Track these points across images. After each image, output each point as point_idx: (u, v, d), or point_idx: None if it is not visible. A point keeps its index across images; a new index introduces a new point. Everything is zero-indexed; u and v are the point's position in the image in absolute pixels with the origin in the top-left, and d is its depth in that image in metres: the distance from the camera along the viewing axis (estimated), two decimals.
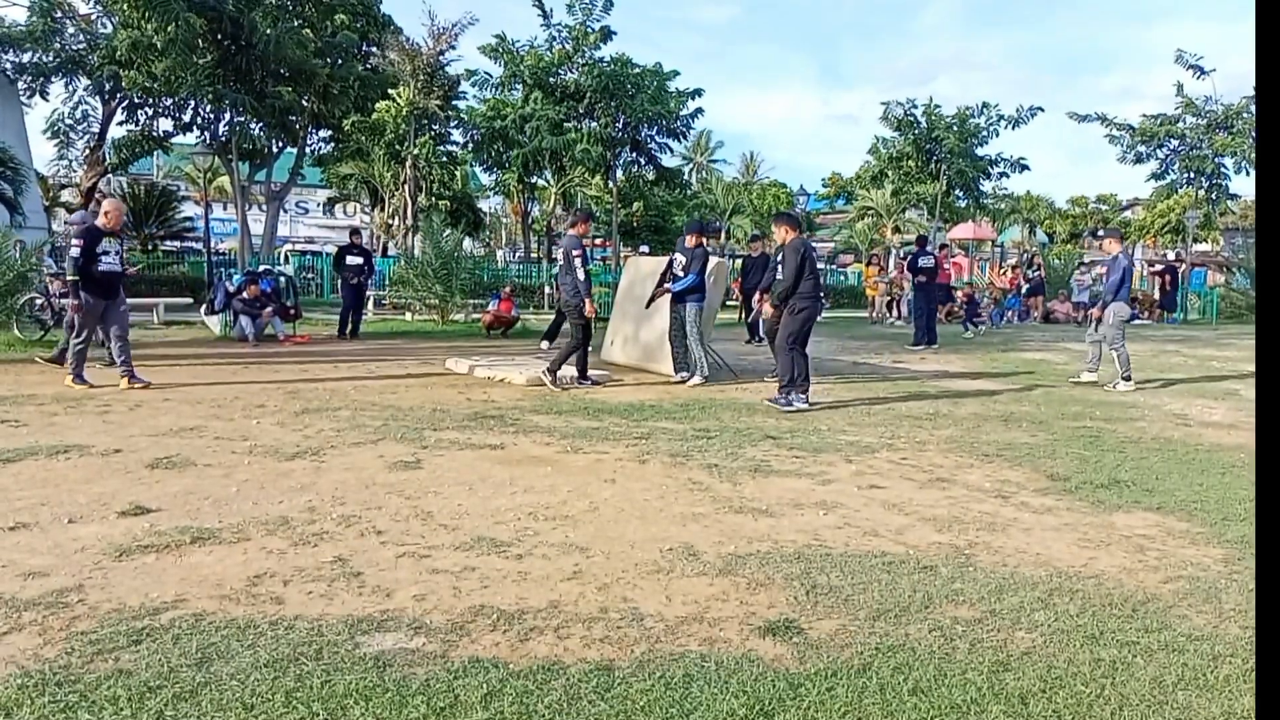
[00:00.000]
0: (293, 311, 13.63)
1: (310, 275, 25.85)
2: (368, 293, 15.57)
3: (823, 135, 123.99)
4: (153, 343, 12.12)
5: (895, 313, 20.41)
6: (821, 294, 8.45)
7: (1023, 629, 2.96)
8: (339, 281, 15.02)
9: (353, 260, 13.89)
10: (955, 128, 21.70)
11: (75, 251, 7.49)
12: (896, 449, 5.87)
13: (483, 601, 3.09)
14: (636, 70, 23.88)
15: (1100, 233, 14.78)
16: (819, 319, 8.39)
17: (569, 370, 8.51)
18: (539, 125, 23.66)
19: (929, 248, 14.26)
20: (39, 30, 19.33)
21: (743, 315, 13.51)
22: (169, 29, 15.34)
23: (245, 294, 12.50)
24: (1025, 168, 23.46)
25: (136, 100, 19.82)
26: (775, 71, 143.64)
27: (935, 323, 14.08)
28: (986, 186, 25.64)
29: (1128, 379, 9.08)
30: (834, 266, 36.09)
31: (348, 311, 13.70)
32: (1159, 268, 25.73)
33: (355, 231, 16.14)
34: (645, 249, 32.13)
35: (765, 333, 9.21)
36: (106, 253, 7.66)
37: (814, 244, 37.70)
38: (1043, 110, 22.52)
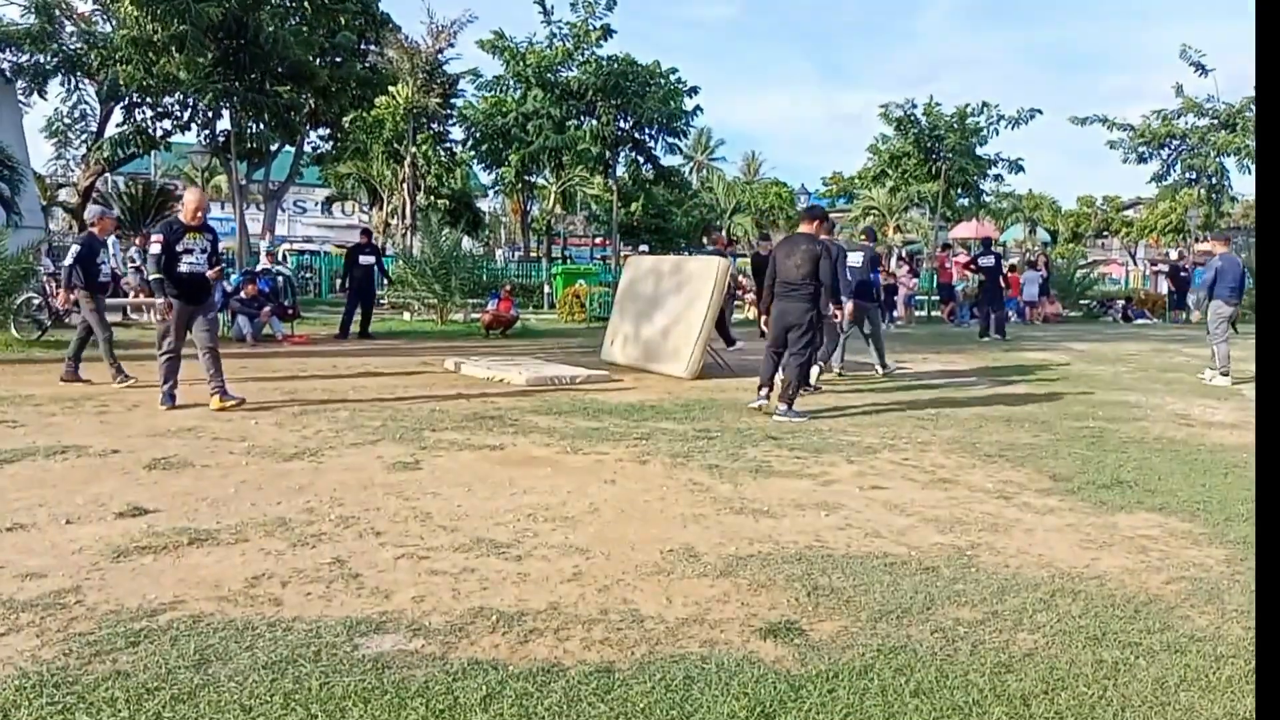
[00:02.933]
0: (291, 311, 13.62)
1: (309, 275, 25.85)
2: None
3: (824, 134, 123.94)
4: (150, 342, 12.10)
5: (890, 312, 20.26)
6: None
7: (1025, 630, 2.95)
8: (347, 280, 14.92)
9: (365, 260, 13.83)
10: (955, 126, 21.69)
11: (156, 249, 6.72)
12: (898, 449, 5.86)
13: (482, 603, 3.08)
14: (641, 69, 23.87)
15: (1208, 235, 15.31)
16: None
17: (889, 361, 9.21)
18: (541, 123, 23.65)
19: (993, 248, 14.98)
20: (37, 30, 19.30)
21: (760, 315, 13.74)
22: (174, 26, 15.27)
23: (243, 293, 12.49)
24: (1020, 169, 23.49)
25: (135, 99, 19.79)
26: (776, 70, 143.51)
27: (1003, 318, 15.46)
28: (987, 185, 25.64)
29: (1225, 374, 9.52)
30: None
31: (352, 311, 13.62)
32: (1163, 268, 25.72)
33: (366, 231, 16.11)
34: (645, 248, 32.13)
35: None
36: (190, 250, 6.81)
37: None
38: (1041, 113, 22.51)
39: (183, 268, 6.79)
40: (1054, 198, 49.51)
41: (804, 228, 7.30)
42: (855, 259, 9.06)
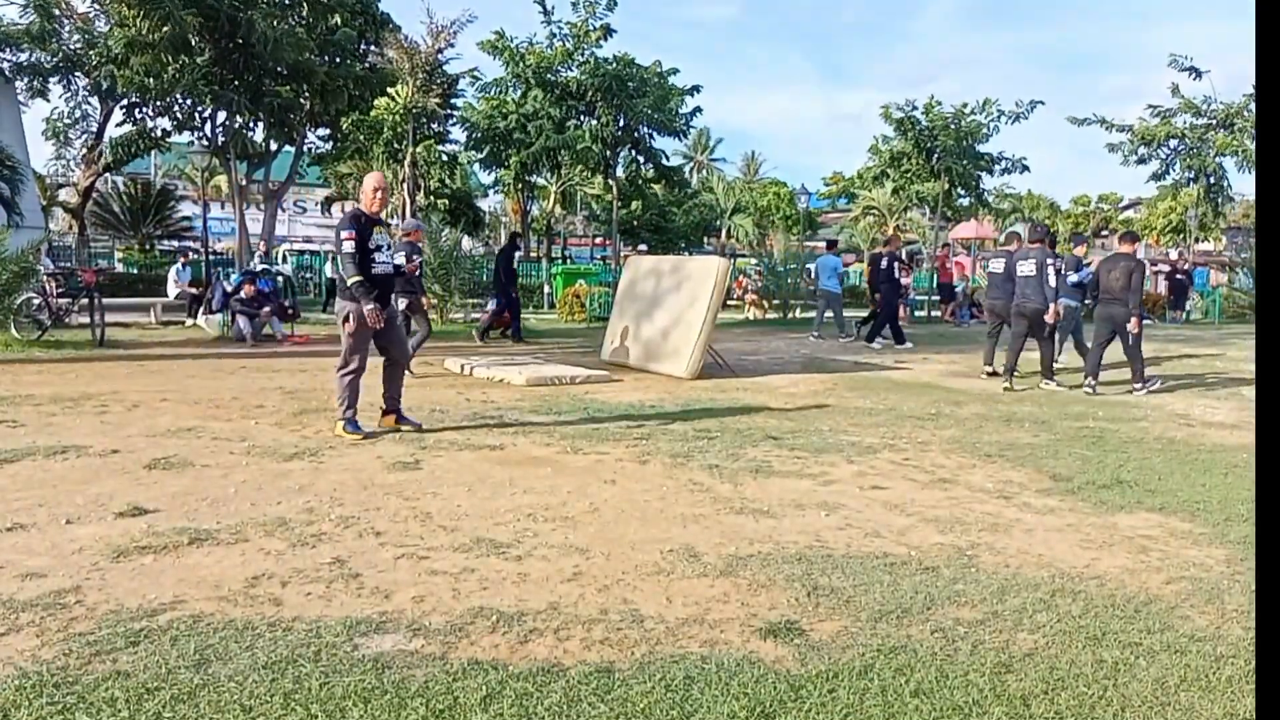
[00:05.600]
0: (291, 311, 13.62)
1: (309, 275, 25.85)
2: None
3: (825, 134, 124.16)
4: (150, 343, 12.11)
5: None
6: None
7: (1025, 630, 2.95)
8: (497, 281, 14.27)
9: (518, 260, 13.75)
10: (953, 125, 21.64)
11: (350, 246, 5.61)
12: (898, 449, 5.86)
13: (482, 603, 3.08)
14: (640, 70, 23.85)
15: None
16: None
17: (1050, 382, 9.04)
18: (542, 124, 23.64)
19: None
20: (37, 29, 19.29)
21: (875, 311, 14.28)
22: (164, 28, 15.29)
23: (242, 293, 12.50)
24: (1025, 168, 23.42)
25: (134, 100, 19.78)
26: (776, 70, 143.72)
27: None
28: (988, 184, 25.59)
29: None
30: None
31: (519, 310, 13.66)
32: (1163, 268, 25.70)
33: (516, 234, 16.01)
34: (644, 247, 32.14)
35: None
36: (380, 248, 5.79)
37: (816, 244, 37.74)
38: (1042, 103, 22.32)
39: (376, 268, 5.72)
40: (1051, 198, 49.49)
41: (1123, 248, 9.09)
42: (1028, 268, 9.05)
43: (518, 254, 13.62)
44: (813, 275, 17.61)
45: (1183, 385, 9.55)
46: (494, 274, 14.95)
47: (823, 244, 18.91)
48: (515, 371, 8.79)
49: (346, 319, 5.72)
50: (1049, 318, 8.77)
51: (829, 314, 15.26)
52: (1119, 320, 8.70)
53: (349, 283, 5.67)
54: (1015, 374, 8.98)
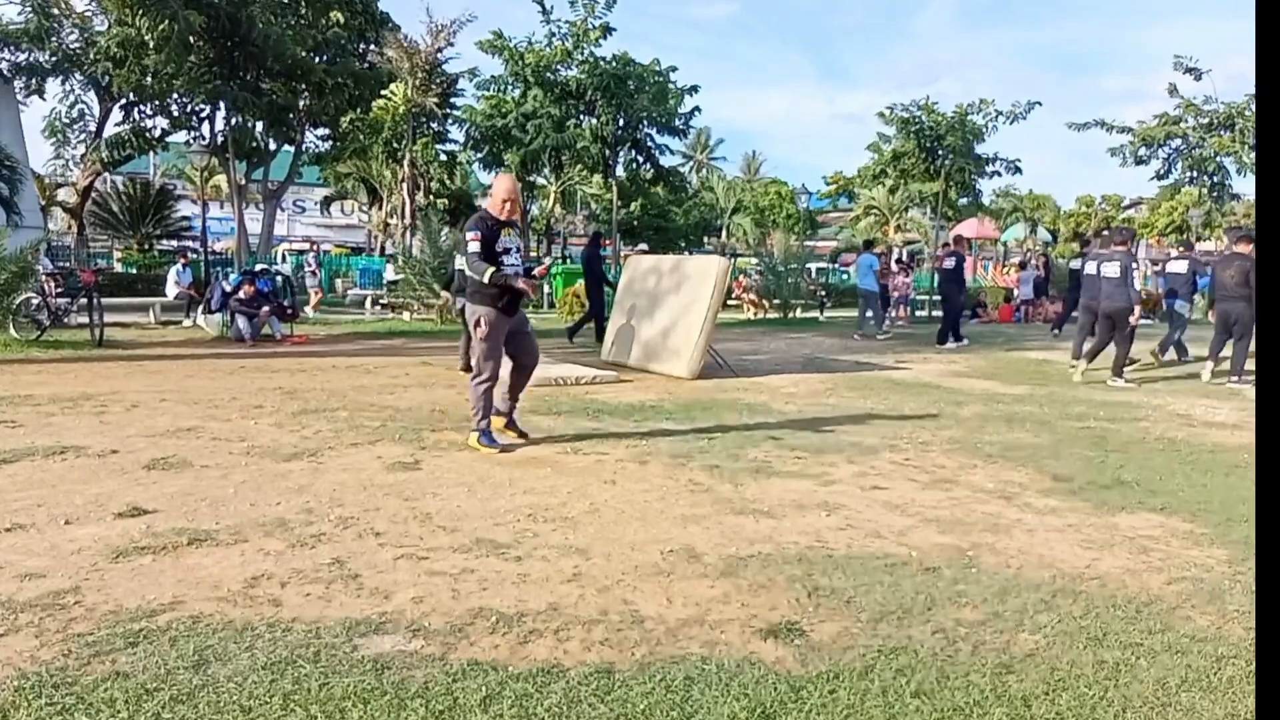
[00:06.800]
0: (290, 311, 13.61)
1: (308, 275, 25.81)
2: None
3: (825, 133, 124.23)
4: (149, 343, 12.11)
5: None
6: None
7: (1026, 631, 2.95)
8: (588, 280, 13.95)
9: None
10: (956, 126, 21.62)
11: (474, 246, 5.36)
12: (899, 449, 5.85)
13: (482, 604, 3.07)
14: (638, 68, 23.84)
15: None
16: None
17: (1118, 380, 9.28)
18: (541, 123, 23.63)
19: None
20: (35, 28, 19.27)
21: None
22: (162, 27, 15.26)
23: (241, 293, 12.49)
24: (1018, 169, 23.45)
25: (132, 99, 19.77)
26: (776, 70, 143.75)
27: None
28: (986, 185, 25.59)
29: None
30: (836, 266, 36.07)
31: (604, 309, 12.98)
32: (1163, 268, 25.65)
33: (599, 234, 15.97)
34: (644, 247, 32.12)
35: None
36: (508, 250, 5.51)
37: (816, 243, 37.76)
38: (1040, 104, 22.37)
39: (505, 269, 5.46)
40: (1052, 198, 49.45)
41: (1240, 248, 9.77)
42: (1112, 269, 9.60)
43: (604, 254, 13.60)
44: (854, 273, 17.91)
45: (1183, 385, 9.55)
46: (584, 276, 14.84)
47: (822, 243, 18.99)
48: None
49: (478, 323, 5.47)
50: (1133, 319, 9.31)
51: (869, 313, 15.79)
52: (1238, 316, 9.59)
53: (485, 277, 5.35)
54: (1090, 368, 9.68)
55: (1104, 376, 9.48)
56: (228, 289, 12.89)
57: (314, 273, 20.99)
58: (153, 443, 5.51)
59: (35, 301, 11.89)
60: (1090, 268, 10.40)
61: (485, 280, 5.35)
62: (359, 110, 21.92)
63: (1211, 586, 3.40)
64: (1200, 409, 7.90)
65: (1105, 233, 18.08)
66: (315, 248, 25.13)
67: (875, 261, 15.98)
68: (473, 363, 5.65)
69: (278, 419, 6.42)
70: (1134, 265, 9.55)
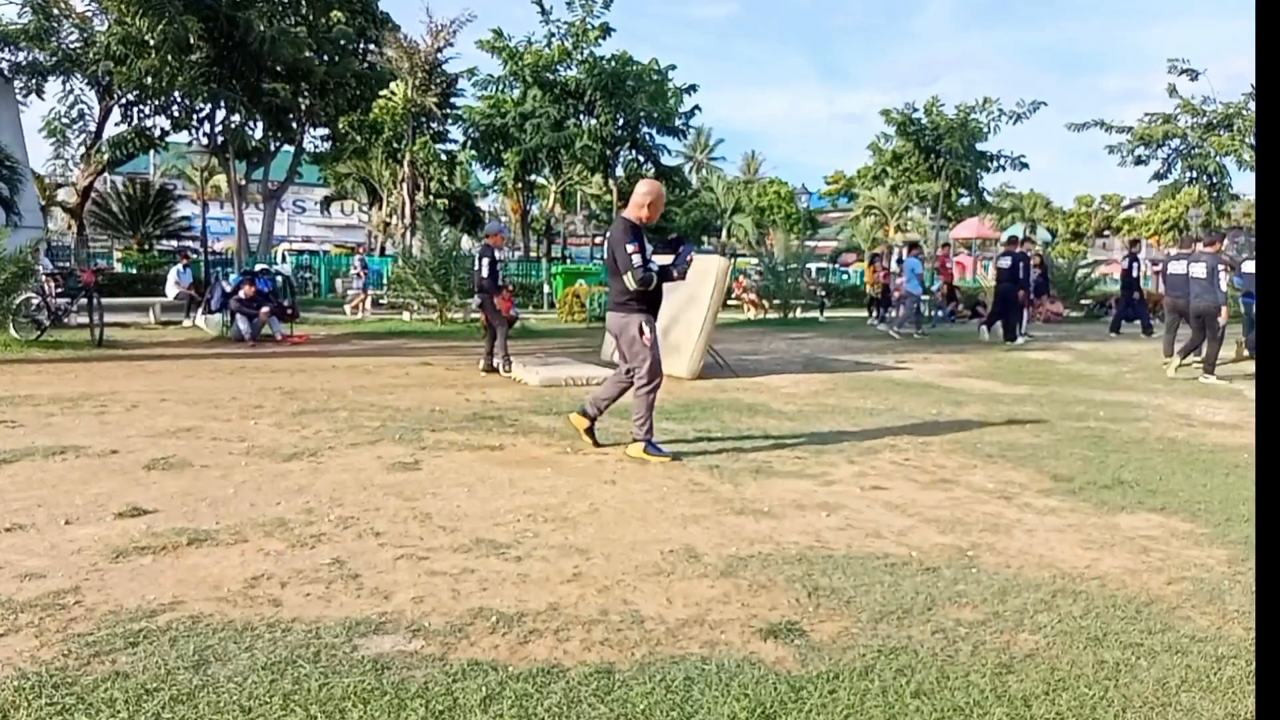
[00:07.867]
0: (290, 311, 13.61)
1: (308, 275, 25.84)
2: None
3: (825, 133, 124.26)
4: (149, 343, 12.11)
5: (877, 312, 19.86)
6: None
7: (1026, 631, 2.94)
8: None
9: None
10: (957, 128, 21.60)
11: (637, 259, 5.25)
12: (899, 449, 5.85)
13: (482, 604, 3.07)
14: (636, 68, 23.85)
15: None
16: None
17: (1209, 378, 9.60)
18: (540, 122, 23.64)
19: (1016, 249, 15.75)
20: (34, 28, 19.26)
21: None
22: (161, 27, 15.26)
23: (241, 294, 12.49)
24: (1024, 165, 23.35)
25: (131, 99, 19.76)
26: (776, 70, 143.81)
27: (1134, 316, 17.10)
28: (988, 183, 25.55)
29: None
30: (836, 266, 36.06)
31: None
32: (1162, 268, 25.65)
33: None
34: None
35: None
36: (649, 258, 5.44)
37: (816, 243, 37.74)
38: (1045, 104, 22.40)
39: (653, 271, 5.38)
40: (1050, 198, 49.47)
41: (1209, 248, 9.88)
42: (1199, 269, 9.96)
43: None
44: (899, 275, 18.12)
45: (1183, 385, 9.54)
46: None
47: (822, 243, 19.10)
48: (532, 372, 8.78)
49: (640, 331, 5.35)
50: (1221, 319, 9.68)
51: (916, 311, 16.32)
52: (1204, 311, 9.78)
53: (653, 285, 5.33)
54: (1183, 364, 10.14)
55: (1196, 374, 9.94)
56: (228, 289, 12.90)
57: (360, 275, 20.45)
58: (153, 443, 5.51)
59: (35, 301, 11.89)
60: (1177, 268, 10.70)
61: (650, 287, 5.30)
62: (359, 110, 21.91)
63: (1211, 586, 3.40)
64: (1200, 409, 7.90)
65: (1187, 233, 18.58)
66: (360, 250, 24.99)
67: (918, 264, 16.26)
68: (634, 373, 5.48)
69: (278, 419, 6.42)
70: (1220, 266, 9.84)
